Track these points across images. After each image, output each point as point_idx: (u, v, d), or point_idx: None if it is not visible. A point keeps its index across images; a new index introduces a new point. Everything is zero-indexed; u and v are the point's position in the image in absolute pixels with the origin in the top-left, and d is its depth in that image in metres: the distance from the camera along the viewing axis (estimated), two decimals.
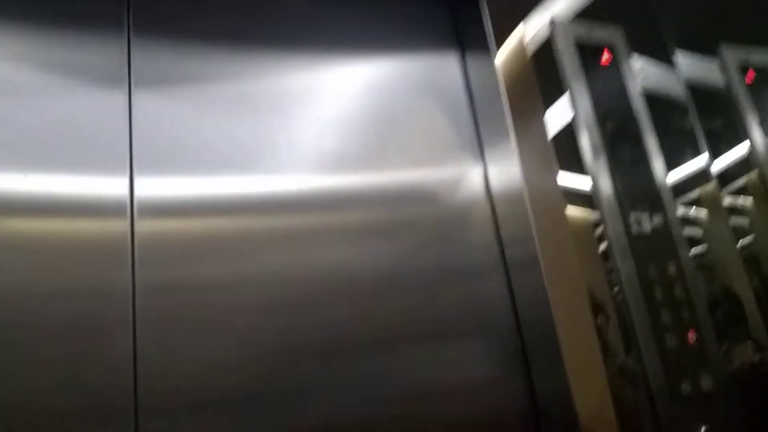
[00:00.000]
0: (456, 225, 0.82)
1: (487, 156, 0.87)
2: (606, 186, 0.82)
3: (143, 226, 0.65)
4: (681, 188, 0.88)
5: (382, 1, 0.91)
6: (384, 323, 0.74)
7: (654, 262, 0.79)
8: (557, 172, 0.81)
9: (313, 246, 0.73)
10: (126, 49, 0.70)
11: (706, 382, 0.75)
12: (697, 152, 0.92)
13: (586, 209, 0.82)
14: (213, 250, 0.68)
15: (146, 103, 0.70)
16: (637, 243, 0.80)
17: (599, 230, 0.81)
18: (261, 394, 0.65)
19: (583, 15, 0.95)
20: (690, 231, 0.87)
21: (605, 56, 0.89)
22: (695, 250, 0.85)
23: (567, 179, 0.81)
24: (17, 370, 0.57)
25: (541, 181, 0.80)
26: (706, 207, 0.90)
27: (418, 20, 0.93)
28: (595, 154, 0.83)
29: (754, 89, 1.02)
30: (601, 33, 0.91)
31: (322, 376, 0.69)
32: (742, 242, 0.92)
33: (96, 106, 0.67)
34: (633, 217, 0.80)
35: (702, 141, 0.93)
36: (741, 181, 0.97)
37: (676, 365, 0.75)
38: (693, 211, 0.88)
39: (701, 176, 0.91)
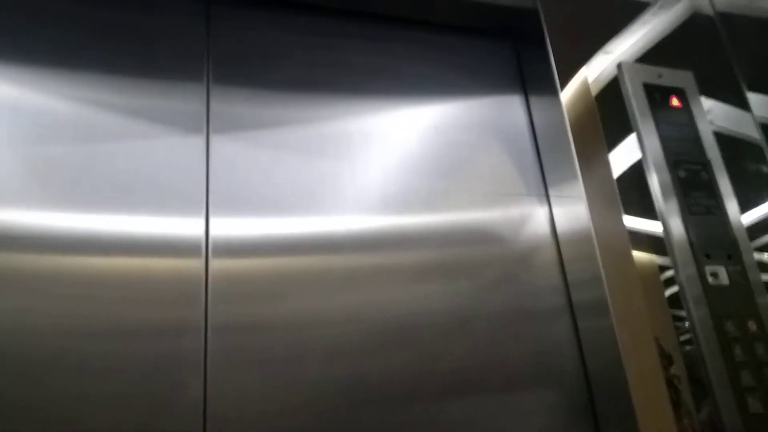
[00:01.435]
0: (521, 267, 0.82)
1: (552, 197, 0.87)
2: (678, 231, 0.79)
3: (217, 265, 0.68)
4: (755, 232, 0.84)
5: (446, 45, 0.93)
6: (448, 368, 0.73)
7: (732, 317, 0.76)
8: (622, 214, 0.79)
9: (377, 287, 0.74)
10: (205, 98, 0.75)
11: None
12: None
13: (653, 254, 0.79)
14: (283, 289, 0.70)
15: (222, 147, 0.74)
16: (714, 295, 0.77)
17: (665, 276, 0.78)
18: None
19: (648, 56, 0.94)
20: (765, 277, 0.83)
21: (675, 101, 0.88)
22: None
23: (633, 222, 0.79)
24: (92, 406, 0.60)
25: (607, 223, 0.78)
26: None
27: (482, 63, 0.95)
28: (666, 196, 0.81)
29: None
30: (671, 76, 0.90)
31: (387, 424, 0.68)
32: None
33: (176, 150, 0.71)
34: (708, 269, 0.78)
35: None
36: None
37: (762, 431, 0.71)
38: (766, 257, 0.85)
39: None
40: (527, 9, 0.92)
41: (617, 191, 0.81)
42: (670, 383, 0.73)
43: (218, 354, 0.65)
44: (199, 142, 0.73)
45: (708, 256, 0.79)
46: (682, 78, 0.90)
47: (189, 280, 0.66)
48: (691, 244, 0.79)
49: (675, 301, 0.78)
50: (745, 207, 0.85)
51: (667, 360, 0.74)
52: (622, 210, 0.80)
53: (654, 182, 0.82)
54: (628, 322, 0.74)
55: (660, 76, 0.89)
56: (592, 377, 0.78)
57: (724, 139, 0.89)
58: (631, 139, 0.86)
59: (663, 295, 0.78)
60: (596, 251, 0.77)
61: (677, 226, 0.80)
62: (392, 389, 0.70)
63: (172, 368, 0.63)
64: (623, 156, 0.85)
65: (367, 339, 0.71)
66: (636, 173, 0.85)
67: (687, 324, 0.77)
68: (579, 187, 0.80)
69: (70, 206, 0.66)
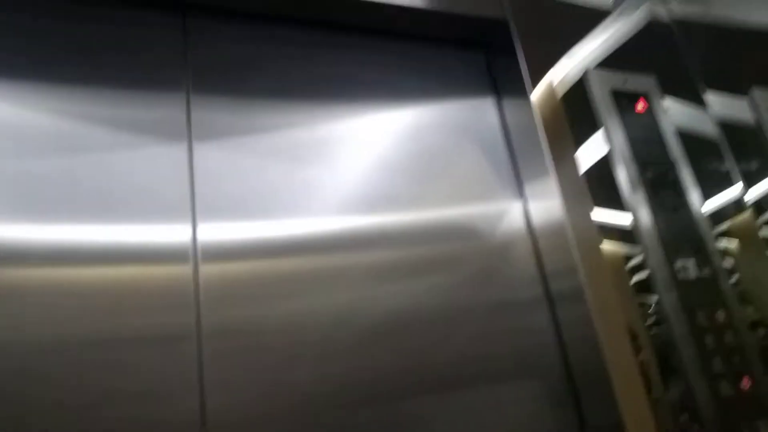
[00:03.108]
0: (500, 261, 0.86)
1: (527, 192, 0.93)
2: (648, 229, 0.84)
3: (206, 270, 0.70)
4: (715, 219, 0.92)
5: (420, 54, 0.98)
6: (436, 363, 0.77)
7: (702, 308, 0.81)
8: (592, 206, 0.83)
9: (362, 285, 0.77)
10: (186, 106, 0.77)
11: (764, 428, 0.76)
12: (729, 185, 0.96)
13: (620, 243, 0.84)
14: (272, 291, 0.72)
15: (205, 154, 0.76)
16: (683, 288, 0.82)
17: (631, 264, 0.83)
18: None
19: (610, 59, 0.99)
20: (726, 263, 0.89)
21: (640, 105, 0.93)
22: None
23: (600, 214, 0.84)
24: (87, 417, 0.60)
25: (578, 215, 0.83)
26: (740, 237, 0.94)
27: (454, 70, 1.00)
28: (636, 196, 0.86)
29: None
30: (635, 82, 0.96)
31: (372, 421, 0.71)
32: None
33: (159, 158, 0.73)
34: (678, 264, 0.83)
35: (735, 173, 0.98)
36: None
37: (733, 413, 0.76)
38: (726, 243, 0.91)
39: (735, 207, 0.95)
40: (497, 20, 0.96)
41: (586, 186, 0.85)
42: (643, 368, 0.77)
43: (213, 358, 0.66)
44: (182, 150, 0.74)
45: (677, 252, 0.84)
46: (646, 83, 0.96)
47: (180, 287, 0.68)
48: (661, 241, 0.84)
49: (641, 287, 0.82)
50: (707, 197, 0.91)
51: (638, 347, 0.78)
52: (592, 203, 0.84)
53: (624, 183, 0.87)
54: (602, 309, 0.78)
55: (625, 81, 0.95)
56: (573, 364, 0.83)
57: (685, 137, 0.95)
58: (598, 137, 0.90)
59: (629, 282, 0.82)
60: (571, 242, 0.82)
61: (647, 225, 0.85)
62: (381, 387, 0.73)
63: (167, 375, 0.64)
64: (594, 151, 0.90)
65: (354, 338, 0.74)
66: (603, 168, 0.90)
67: (655, 317, 0.81)
68: (552, 183, 0.85)
69: (56, 219, 0.66)
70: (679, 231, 0.85)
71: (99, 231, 0.67)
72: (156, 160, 0.72)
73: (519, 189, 0.93)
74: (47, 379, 0.60)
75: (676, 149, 0.91)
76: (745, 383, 0.79)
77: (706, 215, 0.89)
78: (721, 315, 0.82)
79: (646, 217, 0.85)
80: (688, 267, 0.84)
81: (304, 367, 0.70)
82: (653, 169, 0.88)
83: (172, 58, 0.78)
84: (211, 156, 0.76)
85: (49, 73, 0.71)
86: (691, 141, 0.96)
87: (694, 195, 0.90)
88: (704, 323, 0.81)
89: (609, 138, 0.89)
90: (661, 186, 0.87)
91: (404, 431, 0.72)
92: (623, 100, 0.93)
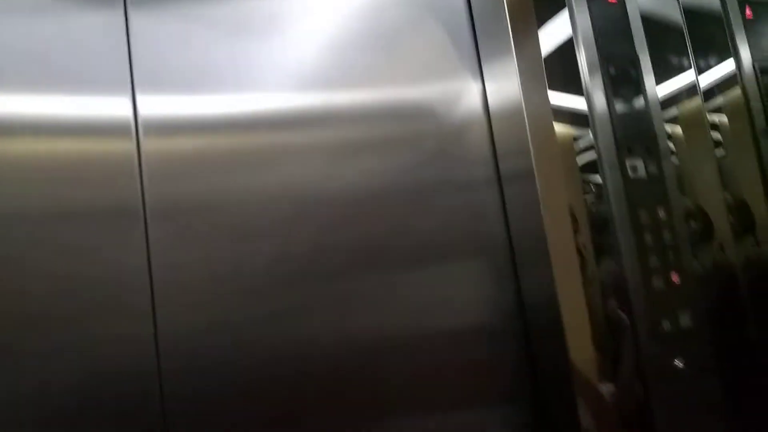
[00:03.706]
0: (452, 140, 0.87)
1: (486, 73, 0.90)
2: (605, 127, 0.84)
3: (149, 144, 0.70)
4: (666, 104, 0.92)
5: None
6: (385, 239, 0.80)
7: (645, 206, 0.84)
8: (547, 90, 0.83)
9: (310, 162, 0.78)
10: None
11: (685, 320, 0.82)
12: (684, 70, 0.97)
13: (574, 127, 0.84)
14: (215, 167, 0.73)
15: (142, 22, 0.73)
16: (631, 187, 0.83)
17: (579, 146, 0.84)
18: (257, 316, 0.72)
19: None
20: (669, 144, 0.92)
21: None
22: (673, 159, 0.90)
23: (558, 98, 0.83)
24: (33, 292, 0.63)
25: (535, 97, 0.83)
26: (687, 123, 0.95)
27: None
28: (595, 92, 0.85)
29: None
30: None
31: (320, 299, 0.75)
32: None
33: (93, 25, 0.70)
34: (629, 162, 0.84)
35: (691, 60, 0.98)
36: (721, 100, 1.01)
37: (659, 304, 0.81)
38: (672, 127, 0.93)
39: (686, 93, 0.96)
40: None
41: (544, 68, 0.84)
42: (579, 251, 0.81)
43: (157, 234, 0.68)
44: (118, 16, 0.71)
45: (629, 150, 0.84)
46: None
47: (121, 161, 0.68)
48: (613, 136, 0.84)
49: (587, 169, 0.84)
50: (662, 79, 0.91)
51: (575, 226, 0.81)
52: (547, 86, 0.83)
53: (584, 72, 0.85)
54: (548, 189, 0.81)
55: None
56: (516, 242, 0.87)
57: (649, 24, 0.92)
58: (563, 20, 0.87)
59: (576, 164, 0.84)
60: (525, 124, 0.82)
61: (602, 115, 0.84)
62: (330, 265, 0.76)
63: (112, 254, 0.66)
64: (552, 36, 0.87)
65: (304, 216, 0.76)
66: (564, 52, 0.87)
67: (595, 203, 0.83)
68: (513, 64, 0.84)
69: None
70: (633, 126, 0.85)
71: (33, 101, 0.66)
72: (89, 25, 0.69)
73: (479, 69, 0.91)
74: None
75: (641, 45, 0.88)
76: (674, 278, 0.83)
77: (659, 109, 0.88)
78: (661, 212, 0.85)
79: (601, 107, 0.84)
80: (637, 166, 0.85)
81: (252, 245, 0.72)
82: (615, 65, 0.86)
83: None
84: (148, 24, 0.72)
85: None
86: (653, 26, 0.93)
87: (649, 83, 0.88)
88: (646, 221, 0.83)
89: (573, 23, 0.85)
90: (620, 80, 0.86)
91: (355, 309, 0.76)
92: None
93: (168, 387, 0.66)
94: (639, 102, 0.87)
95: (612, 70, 0.86)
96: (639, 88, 0.87)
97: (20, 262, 0.62)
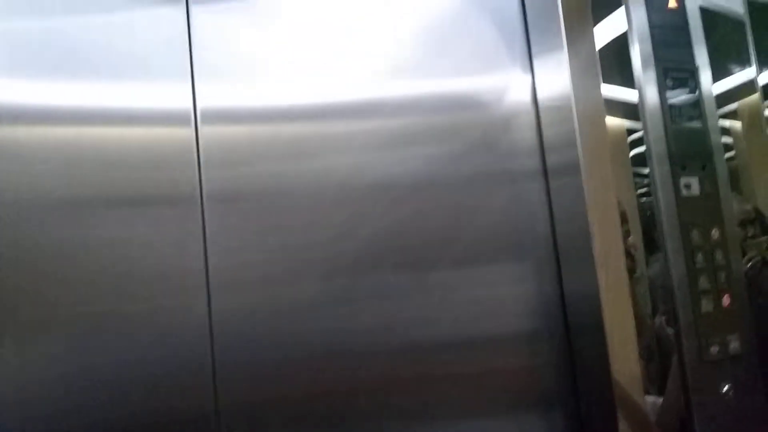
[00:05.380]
0: (500, 131, 0.89)
1: (536, 67, 0.92)
2: (660, 141, 0.83)
3: (207, 132, 0.74)
4: (724, 100, 0.91)
5: None
6: (434, 227, 0.83)
7: (698, 226, 0.82)
8: (601, 84, 0.84)
9: (361, 150, 0.81)
10: None
11: (734, 345, 0.80)
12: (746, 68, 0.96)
13: (623, 119, 0.85)
14: (273, 155, 0.77)
15: (202, 16, 0.77)
16: (685, 205, 0.82)
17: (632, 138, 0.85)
18: (304, 305, 0.75)
19: None
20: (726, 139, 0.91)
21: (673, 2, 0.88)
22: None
23: (613, 91, 0.83)
24: (93, 277, 0.67)
25: (586, 90, 0.84)
26: (744, 118, 0.94)
27: None
28: (645, 67, 0.84)
29: None
30: None
31: (368, 289, 0.78)
32: None
33: (156, 21, 0.75)
34: (683, 181, 0.83)
35: (752, 55, 0.96)
36: None
37: (709, 327, 0.80)
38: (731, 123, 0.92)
39: (746, 88, 0.95)
40: None
41: (599, 63, 0.84)
42: (628, 252, 0.80)
43: (214, 220, 0.72)
44: (180, 11, 0.76)
45: (683, 168, 0.83)
46: None
47: (180, 148, 0.72)
48: (669, 155, 0.83)
49: (638, 160, 0.84)
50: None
51: (626, 231, 0.80)
52: (601, 80, 0.84)
53: (642, 89, 0.84)
54: (596, 185, 0.81)
55: None
56: (559, 237, 0.87)
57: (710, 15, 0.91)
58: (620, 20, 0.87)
59: (627, 158, 0.84)
60: (574, 116, 0.83)
61: (659, 133, 0.83)
62: (382, 253, 0.79)
63: (170, 236, 0.70)
64: (611, 29, 0.87)
65: (356, 204, 0.79)
66: (620, 48, 0.87)
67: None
68: (564, 57, 0.85)
69: (55, 79, 0.70)
70: (688, 143, 0.84)
71: (97, 91, 0.70)
72: (153, 21, 0.74)
73: (530, 63, 0.93)
74: (51, 238, 0.66)
75: (701, 54, 0.87)
76: (726, 301, 0.82)
77: (720, 129, 0.87)
78: (715, 233, 0.83)
79: (659, 126, 0.84)
80: (692, 184, 0.83)
81: (305, 231, 0.76)
82: (673, 77, 0.85)
83: None
84: (210, 18, 0.77)
85: None
86: (714, 17, 0.93)
87: (711, 105, 0.88)
88: (698, 242, 0.82)
89: (632, 40, 0.85)
90: (679, 94, 0.85)
91: (398, 304, 0.79)
92: None
93: (221, 372, 0.70)
94: (695, 111, 0.86)
95: (668, 77, 0.85)
96: (696, 97, 0.86)
97: (83, 248, 0.67)
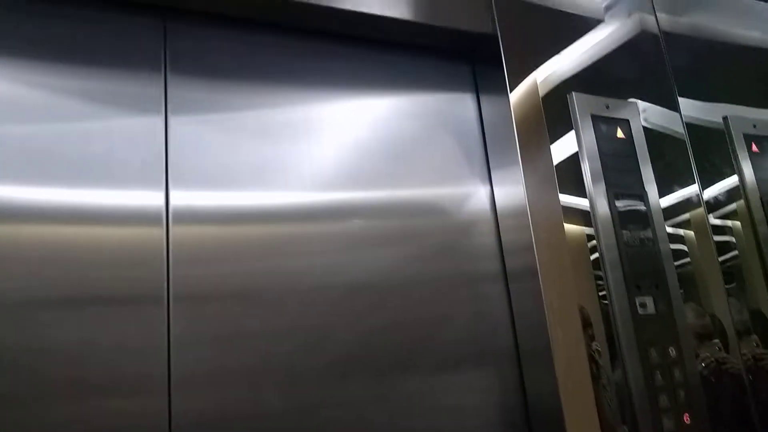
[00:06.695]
0: (461, 236, 0.96)
1: (494, 179, 1.02)
2: (615, 264, 0.88)
3: (177, 231, 0.78)
4: (671, 213, 1.00)
5: (404, 60, 1.03)
6: (399, 327, 0.86)
7: (656, 345, 0.85)
8: (557, 192, 0.92)
9: (328, 253, 0.85)
10: (163, 81, 0.84)
11: None
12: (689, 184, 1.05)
13: (582, 226, 0.91)
14: (242, 256, 0.80)
15: (180, 127, 0.83)
16: (641, 324, 0.85)
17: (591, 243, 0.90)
18: (271, 409, 0.76)
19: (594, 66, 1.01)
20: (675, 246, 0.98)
21: (620, 132, 0.95)
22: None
23: (572, 201, 0.92)
24: (57, 367, 0.67)
25: (542, 199, 0.91)
26: (694, 230, 1.02)
27: (437, 71, 1.06)
28: (606, 228, 0.89)
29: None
30: (617, 108, 0.97)
31: (331, 396, 0.79)
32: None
33: (136, 130, 0.80)
34: (638, 300, 0.87)
35: (694, 172, 1.06)
36: (728, 208, 1.08)
37: None
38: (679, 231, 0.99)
39: (690, 203, 1.03)
40: (485, 34, 0.97)
41: (555, 175, 0.92)
42: (591, 357, 0.82)
43: (181, 318, 0.74)
44: (158, 122, 0.81)
45: (638, 288, 0.87)
46: (628, 110, 0.98)
47: (151, 247, 0.75)
48: (624, 277, 0.87)
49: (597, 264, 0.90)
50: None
51: (589, 335, 0.82)
52: (558, 190, 0.91)
53: (596, 212, 0.90)
54: (557, 285, 0.85)
55: (607, 107, 0.96)
56: (520, 339, 0.91)
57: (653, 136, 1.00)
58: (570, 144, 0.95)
59: (589, 262, 0.89)
60: (530, 224, 0.89)
61: (614, 258, 0.88)
62: (349, 361, 0.81)
63: (135, 333, 0.71)
64: (564, 149, 0.95)
65: (323, 305, 0.82)
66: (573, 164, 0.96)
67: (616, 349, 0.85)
68: (519, 172, 0.92)
69: (33, 181, 0.73)
70: (641, 264, 0.89)
71: (75, 193, 0.74)
72: (133, 130, 0.79)
73: (488, 175, 1.02)
74: (15, 333, 0.66)
75: (649, 181, 0.94)
76: (686, 419, 0.83)
77: (670, 250, 0.92)
78: (672, 351, 0.86)
79: (614, 252, 0.88)
80: (647, 303, 0.87)
81: (271, 330, 0.78)
82: (624, 202, 0.91)
83: (150, 45, 0.84)
84: (186, 129, 0.83)
85: (36, 51, 0.77)
86: (657, 139, 1.03)
87: (660, 228, 0.93)
88: (657, 360, 0.85)
89: (584, 165, 0.92)
90: (630, 221, 0.90)
91: (365, 409, 0.80)
92: (604, 127, 0.95)
93: None
94: (647, 233, 0.91)
95: (621, 207, 0.91)
96: (644, 226, 0.92)
97: (46, 340, 0.67)
